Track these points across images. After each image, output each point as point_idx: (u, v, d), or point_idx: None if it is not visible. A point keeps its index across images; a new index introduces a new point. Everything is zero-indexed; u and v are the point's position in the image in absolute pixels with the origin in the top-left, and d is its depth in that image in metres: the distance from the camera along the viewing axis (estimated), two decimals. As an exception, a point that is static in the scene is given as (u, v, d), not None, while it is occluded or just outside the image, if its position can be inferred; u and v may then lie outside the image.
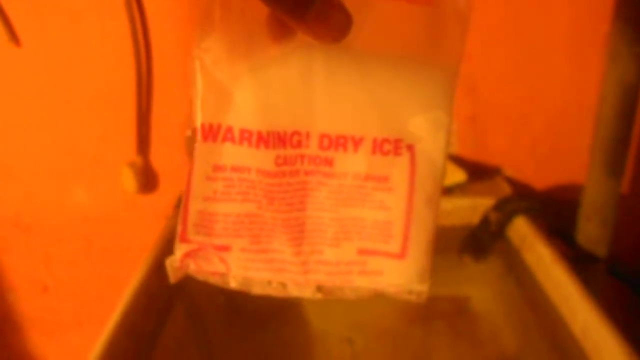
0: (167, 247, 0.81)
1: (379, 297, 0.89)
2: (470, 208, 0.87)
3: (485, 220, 0.84)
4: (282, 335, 0.87)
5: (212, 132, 0.34)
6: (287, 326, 0.88)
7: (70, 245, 1.04)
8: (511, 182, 0.93)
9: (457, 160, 0.92)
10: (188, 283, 0.86)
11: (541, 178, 0.95)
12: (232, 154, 0.33)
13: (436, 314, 0.91)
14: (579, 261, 0.80)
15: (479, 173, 0.93)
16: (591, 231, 0.77)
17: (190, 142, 0.84)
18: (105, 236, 1.03)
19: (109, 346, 0.61)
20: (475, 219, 0.87)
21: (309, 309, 0.90)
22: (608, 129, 0.71)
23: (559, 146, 0.93)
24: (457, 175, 0.86)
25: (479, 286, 0.91)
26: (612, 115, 0.70)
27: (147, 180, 0.96)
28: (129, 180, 0.93)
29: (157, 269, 0.75)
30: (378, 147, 0.34)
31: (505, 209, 0.82)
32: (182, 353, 0.79)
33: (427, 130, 0.35)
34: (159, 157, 0.96)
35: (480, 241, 0.85)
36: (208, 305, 0.91)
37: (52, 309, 1.11)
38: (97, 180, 0.98)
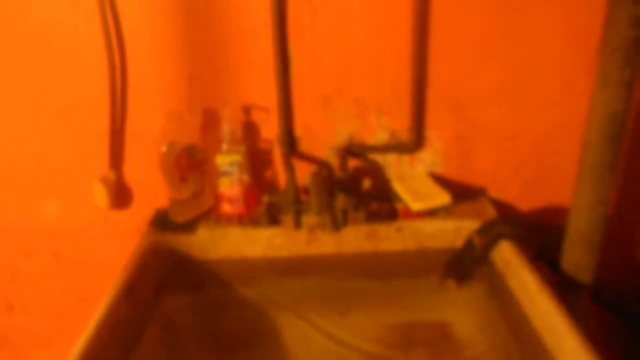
0: (140, 268, 0.78)
1: (360, 322, 0.85)
2: (454, 231, 0.85)
3: (469, 244, 0.82)
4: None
5: None
6: (263, 352, 0.85)
7: (38, 260, 1.00)
8: (496, 203, 0.91)
9: (442, 181, 0.90)
10: (161, 304, 0.82)
11: (526, 200, 0.93)
12: None
13: (417, 340, 0.88)
14: (563, 287, 0.78)
15: (463, 194, 0.91)
16: (576, 257, 0.75)
17: (165, 158, 0.79)
18: (75, 251, 0.99)
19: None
20: (459, 241, 0.85)
21: (287, 334, 0.87)
22: (595, 155, 0.70)
23: (545, 168, 0.92)
24: (441, 198, 0.84)
25: (462, 311, 0.88)
26: (600, 141, 0.69)
27: (120, 195, 0.92)
28: (100, 195, 0.89)
29: (127, 292, 0.71)
30: None
31: (490, 233, 0.80)
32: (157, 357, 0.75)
33: None
34: (132, 172, 0.92)
35: (464, 265, 0.83)
36: (182, 326, 0.88)
37: (19, 327, 1.06)
38: (68, 194, 0.94)
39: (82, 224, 0.96)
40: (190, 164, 0.83)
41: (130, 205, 0.94)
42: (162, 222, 0.85)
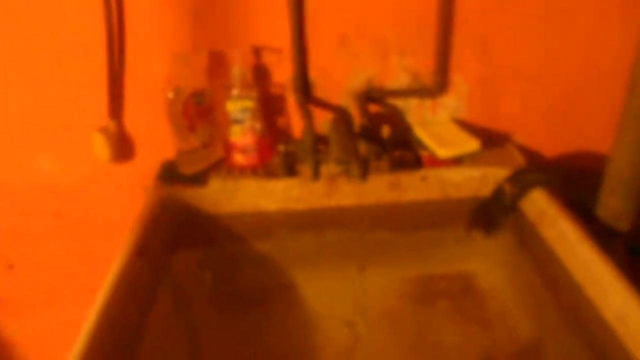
0: (149, 226, 0.72)
1: (380, 276, 0.80)
2: (481, 179, 0.80)
3: (498, 192, 0.77)
4: (275, 319, 0.80)
5: None
6: (280, 309, 0.81)
7: (37, 218, 0.94)
8: (522, 150, 0.86)
9: (465, 126, 0.84)
10: (172, 263, 0.78)
11: (554, 146, 0.88)
12: None
13: (441, 293, 0.85)
14: (597, 236, 0.74)
15: (488, 140, 0.86)
16: (614, 204, 0.71)
17: (171, 105, 0.72)
18: (76, 208, 0.93)
19: (91, 343, 0.53)
20: (485, 190, 0.80)
21: (303, 291, 0.83)
22: (641, 94, 0.65)
23: (574, 113, 0.86)
24: (470, 144, 0.78)
25: (488, 263, 0.85)
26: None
27: (122, 147, 0.86)
28: (101, 148, 0.83)
29: (139, 252, 0.66)
30: None
31: (522, 181, 0.75)
32: (169, 343, 0.72)
33: None
34: (134, 122, 0.85)
35: (492, 214, 0.78)
36: (194, 285, 0.83)
37: (19, 287, 1.02)
38: (66, 148, 0.87)
39: (82, 179, 0.90)
40: (198, 112, 0.76)
41: (134, 157, 0.88)
42: (169, 175, 0.79)
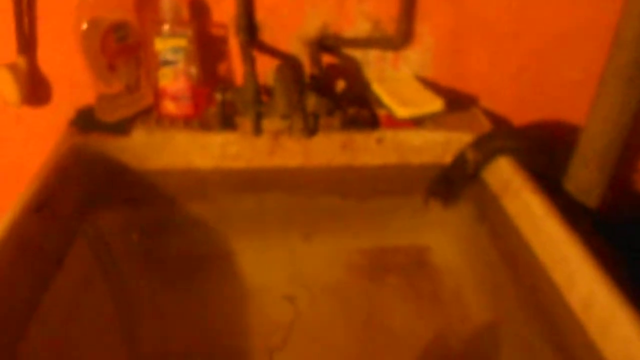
0: (55, 179, 0.61)
1: (327, 246, 0.70)
2: (444, 144, 0.72)
3: (460, 159, 0.69)
4: (208, 290, 0.71)
5: None
6: (215, 280, 0.72)
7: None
8: (489, 115, 0.78)
9: (429, 85, 0.76)
10: (91, 223, 0.67)
11: (523, 112, 0.81)
12: None
13: (392, 267, 0.78)
14: (563, 211, 0.68)
15: (453, 102, 0.78)
16: (584, 177, 0.65)
17: (86, 38, 0.58)
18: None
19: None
20: (448, 157, 0.72)
21: (241, 260, 0.74)
22: (626, 55, 0.57)
23: (548, 75, 0.79)
24: (433, 104, 0.70)
25: (445, 236, 0.78)
26: (635, 40, 0.56)
27: (34, 88, 0.73)
28: (8, 87, 0.70)
29: (37, 207, 0.56)
30: None
31: (487, 147, 0.67)
32: (85, 311, 0.61)
33: None
34: (49, 59, 0.73)
35: (453, 183, 0.71)
36: (118, 251, 0.73)
37: None
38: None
39: (-12, 123, 0.77)
40: (120, 48, 0.65)
41: (50, 101, 0.76)
42: (86, 121, 0.68)
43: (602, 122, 0.61)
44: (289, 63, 0.67)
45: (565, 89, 0.79)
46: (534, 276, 0.59)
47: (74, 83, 0.72)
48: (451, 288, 0.74)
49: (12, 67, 0.70)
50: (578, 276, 0.52)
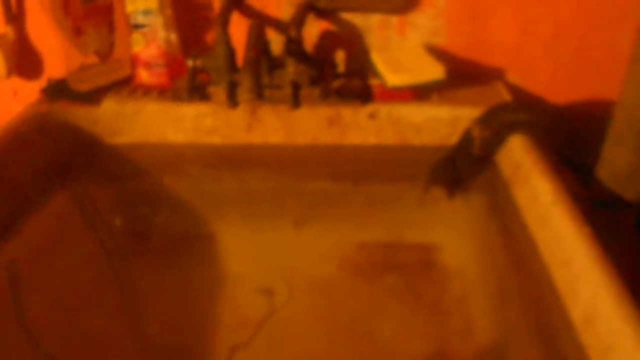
0: (11, 147, 0.58)
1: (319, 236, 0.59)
2: (450, 121, 0.61)
3: (466, 138, 0.58)
4: (180, 272, 0.64)
5: None
6: (190, 263, 0.66)
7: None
8: (517, 90, 0.66)
9: (443, 56, 0.65)
10: (55, 196, 0.63)
11: (561, 88, 0.67)
12: None
13: (391, 265, 0.67)
14: (596, 205, 0.54)
15: (472, 75, 0.66)
16: (621, 160, 0.51)
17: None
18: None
19: None
20: (455, 137, 0.61)
21: (221, 245, 0.67)
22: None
23: (589, 42, 0.65)
24: (431, 71, 0.59)
25: (453, 232, 0.66)
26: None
27: (24, 60, 0.72)
28: (-3, 59, 0.69)
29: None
30: None
31: (495, 122, 0.55)
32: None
33: None
34: (39, 30, 0.71)
35: (458, 167, 0.59)
36: (85, 216, 0.69)
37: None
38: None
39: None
40: (87, 10, 0.61)
41: (42, 73, 0.74)
42: (58, 90, 0.64)
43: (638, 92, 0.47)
44: (258, 22, 0.59)
45: (612, 61, 0.64)
46: (537, 283, 0.47)
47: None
48: (456, 296, 0.62)
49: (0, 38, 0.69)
50: (580, 284, 0.40)
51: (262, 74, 0.54)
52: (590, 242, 0.41)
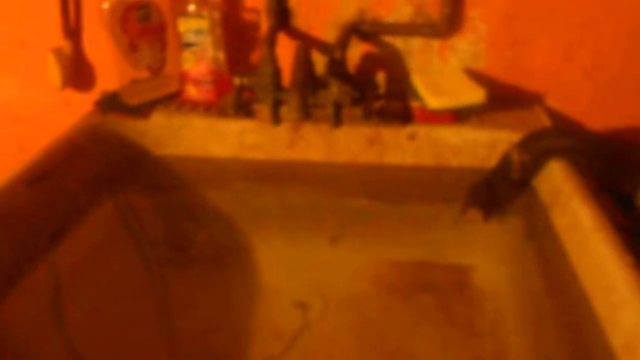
0: (61, 154, 0.61)
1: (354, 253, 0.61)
2: (488, 144, 0.62)
3: (505, 162, 0.58)
4: (219, 283, 0.66)
5: None
6: (228, 274, 0.68)
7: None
8: (556, 115, 0.66)
9: (483, 80, 0.66)
10: (103, 203, 0.66)
11: (599, 113, 0.68)
12: None
13: (425, 284, 0.68)
14: (637, 234, 0.54)
15: (512, 99, 0.67)
16: (663, 192, 0.51)
17: (108, 17, 0.57)
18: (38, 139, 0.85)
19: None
20: (492, 160, 0.62)
21: (259, 258, 0.69)
22: None
23: (630, 69, 0.65)
24: (472, 95, 0.60)
25: (489, 255, 0.66)
26: None
27: (78, 73, 0.75)
28: (54, 72, 0.73)
29: (30, 180, 0.55)
30: None
31: (535, 148, 0.56)
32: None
33: None
34: (95, 44, 0.75)
35: (496, 190, 0.60)
36: (132, 225, 0.71)
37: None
38: (25, 71, 0.78)
39: (43, 108, 0.81)
40: (142, 28, 0.64)
41: (95, 85, 0.78)
42: (110, 103, 0.68)
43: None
44: (305, 44, 0.61)
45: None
46: (576, 310, 0.47)
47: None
48: (490, 318, 0.63)
49: (57, 52, 0.73)
50: (622, 311, 0.40)
51: (308, 94, 0.56)
52: (632, 270, 0.41)
